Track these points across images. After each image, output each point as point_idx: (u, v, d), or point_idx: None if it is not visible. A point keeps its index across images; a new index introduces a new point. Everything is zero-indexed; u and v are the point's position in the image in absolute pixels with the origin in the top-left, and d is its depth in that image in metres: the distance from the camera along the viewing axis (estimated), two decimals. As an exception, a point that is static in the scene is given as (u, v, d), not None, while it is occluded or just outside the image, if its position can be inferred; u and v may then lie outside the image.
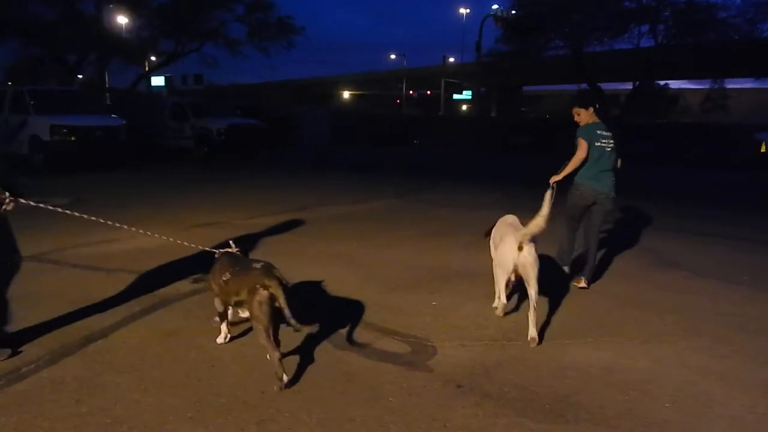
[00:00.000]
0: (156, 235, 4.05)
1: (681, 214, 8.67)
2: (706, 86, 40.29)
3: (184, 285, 4.47)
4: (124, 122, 13.77)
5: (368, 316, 3.86)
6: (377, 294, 4.36)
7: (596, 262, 4.82)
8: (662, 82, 36.38)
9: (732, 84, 39.49)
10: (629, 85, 32.36)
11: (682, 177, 15.04)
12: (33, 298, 4.07)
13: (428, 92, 51.40)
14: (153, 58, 26.97)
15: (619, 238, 6.54)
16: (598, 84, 30.73)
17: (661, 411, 2.71)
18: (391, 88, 55.35)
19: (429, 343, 3.41)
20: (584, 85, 32.18)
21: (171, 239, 3.91)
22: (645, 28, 25.69)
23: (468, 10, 52.75)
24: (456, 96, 47.91)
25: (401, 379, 2.98)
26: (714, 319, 3.98)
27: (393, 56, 54.81)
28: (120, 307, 3.97)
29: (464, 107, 51.43)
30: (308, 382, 2.93)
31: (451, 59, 51.22)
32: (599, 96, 33.03)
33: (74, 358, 3.17)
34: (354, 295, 4.27)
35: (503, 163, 18.21)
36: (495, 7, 33.19)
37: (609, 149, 4.55)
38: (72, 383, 2.86)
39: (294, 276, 4.74)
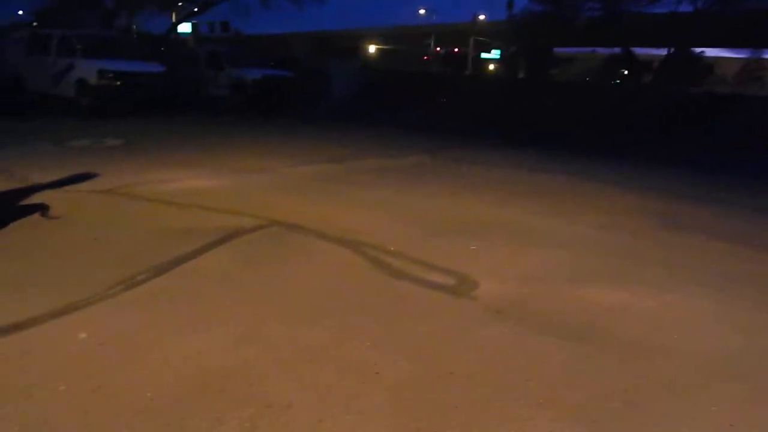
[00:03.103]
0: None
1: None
2: (744, 56, 39.10)
3: (247, 220, 5.01)
4: (164, 68, 14.24)
5: (414, 253, 4.37)
6: (420, 237, 4.88)
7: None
8: (698, 50, 35.42)
9: (770, 54, 38.25)
10: (664, 51, 31.69)
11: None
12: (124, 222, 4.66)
13: (456, 49, 50.70)
14: (180, 4, 27.10)
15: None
16: (632, 48, 30.14)
17: (669, 340, 3.21)
18: (419, 43, 54.67)
19: (471, 278, 3.93)
20: (617, 49, 31.58)
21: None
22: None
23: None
24: (484, 55, 47.27)
25: (447, 303, 3.52)
26: (719, 275, 4.42)
27: (422, 11, 53.67)
28: (201, 235, 4.52)
29: (491, 67, 50.68)
30: (368, 302, 3.48)
31: (482, 16, 50.20)
32: (632, 61, 32.46)
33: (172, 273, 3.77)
34: (400, 237, 4.78)
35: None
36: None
37: None
38: (167, 293, 3.45)
39: (341, 218, 5.29)
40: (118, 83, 12.94)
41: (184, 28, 34.37)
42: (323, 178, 7.31)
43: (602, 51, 40.34)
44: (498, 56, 46.82)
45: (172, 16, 27.23)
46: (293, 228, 4.88)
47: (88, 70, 12.90)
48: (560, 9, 27.46)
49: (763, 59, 40.99)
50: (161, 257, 3.97)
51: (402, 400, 2.46)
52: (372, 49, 62.76)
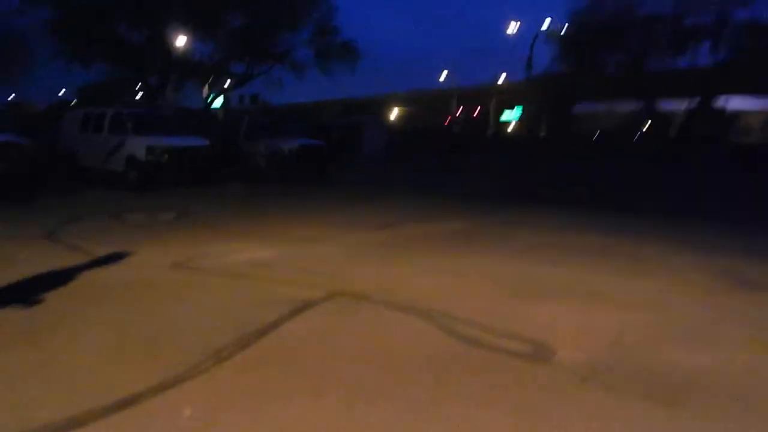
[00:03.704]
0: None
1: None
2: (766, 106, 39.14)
3: (317, 290, 5.15)
4: (207, 142, 14.90)
5: (486, 320, 4.43)
6: (491, 300, 4.95)
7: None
8: (722, 99, 35.63)
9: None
10: (684, 104, 31.99)
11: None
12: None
13: (475, 114, 51.72)
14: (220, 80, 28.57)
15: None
16: (654, 103, 30.49)
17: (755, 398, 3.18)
18: (441, 106, 56.07)
19: (548, 344, 3.96)
20: (640, 103, 32.00)
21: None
22: (705, 47, 25.64)
23: (516, 27, 53.14)
24: (505, 116, 48.09)
25: (528, 368, 3.56)
26: None
27: (443, 76, 55.26)
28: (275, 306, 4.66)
29: (511, 126, 51.25)
30: (453, 377, 3.54)
31: (502, 78, 51.43)
32: (653, 114, 32.67)
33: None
34: (469, 302, 4.86)
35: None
36: (548, 21, 33.55)
37: None
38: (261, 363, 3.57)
39: (407, 285, 5.40)
40: (166, 157, 13.54)
41: (216, 102, 36.07)
42: (380, 245, 7.44)
43: (624, 106, 40.76)
44: (517, 116, 47.65)
45: (204, 91, 28.70)
46: (359, 296, 5.00)
47: (138, 146, 13.56)
48: (583, 64, 28.18)
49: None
50: (243, 329, 4.10)
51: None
52: (395, 111, 64.37)
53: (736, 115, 40.58)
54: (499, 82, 50.61)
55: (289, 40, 24.84)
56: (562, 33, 29.84)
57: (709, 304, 5.07)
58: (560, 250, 7.23)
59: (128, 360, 3.62)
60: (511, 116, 47.90)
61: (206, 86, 28.14)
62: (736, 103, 38.03)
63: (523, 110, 45.06)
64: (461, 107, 53.39)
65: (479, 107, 51.30)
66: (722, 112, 36.63)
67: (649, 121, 37.96)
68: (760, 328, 4.43)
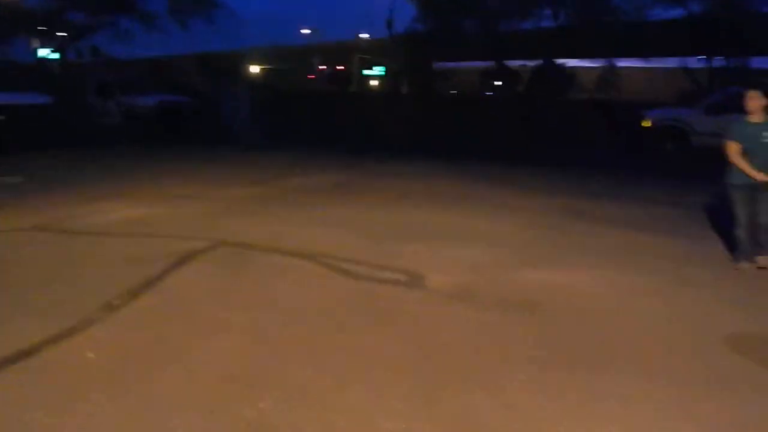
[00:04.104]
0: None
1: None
2: (599, 65, 43.90)
3: (199, 242, 5.24)
4: (49, 99, 13.63)
5: (366, 258, 4.89)
6: (367, 243, 5.40)
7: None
8: (561, 61, 39.22)
9: (622, 63, 43.32)
10: (533, 63, 34.91)
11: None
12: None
13: (340, 67, 51.85)
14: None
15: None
16: (505, 62, 32.87)
17: (590, 303, 3.99)
18: (303, 62, 55.29)
19: (419, 273, 4.51)
20: (492, 62, 34.32)
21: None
22: (548, 11, 28.22)
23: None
24: (367, 72, 48.72)
25: (403, 294, 4.09)
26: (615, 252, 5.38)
27: (306, 30, 54.33)
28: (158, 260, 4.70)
29: (375, 83, 52.08)
30: (338, 299, 3.95)
31: (366, 35, 51.87)
32: (506, 73, 35.28)
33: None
34: (350, 247, 5.27)
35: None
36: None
37: None
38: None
39: (288, 235, 5.68)
40: (2, 116, 12.21)
41: (45, 53, 31.95)
42: (256, 201, 7.53)
43: (478, 65, 43.32)
44: (382, 73, 48.53)
45: (34, 43, 25.68)
46: (244, 246, 5.20)
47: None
48: (441, 26, 29.50)
49: (615, 67, 46.27)
50: (129, 282, 4.14)
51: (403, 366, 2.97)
52: (255, 69, 62.11)
53: (573, 74, 44.99)
54: (364, 36, 51.01)
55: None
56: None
57: (551, 234, 5.98)
58: (424, 196, 7.91)
59: (19, 319, 3.54)
60: (373, 73, 48.55)
61: (36, 38, 25.14)
62: (573, 63, 42.14)
63: (386, 68, 45.88)
64: (323, 65, 52.99)
65: (341, 66, 51.37)
66: (563, 70, 40.39)
67: (500, 82, 40.92)
68: (590, 250, 5.38)
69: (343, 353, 3.17)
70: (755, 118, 4.83)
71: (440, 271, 4.61)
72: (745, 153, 4.77)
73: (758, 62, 30.49)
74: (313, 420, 2.52)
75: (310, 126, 21.55)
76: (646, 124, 14.79)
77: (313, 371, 2.95)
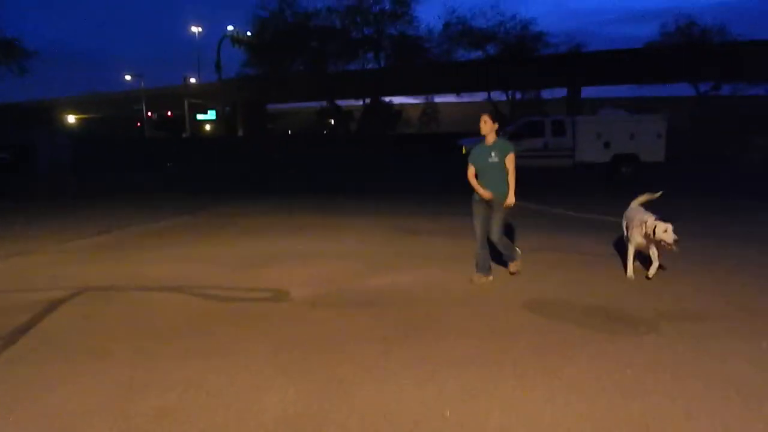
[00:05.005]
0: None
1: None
2: (421, 101, 48.23)
3: (59, 292, 5.28)
4: None
5: (230, 284, 5.36)
6: (230, 271, 5.86)
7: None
8: (387, 99, 42.39)
9: (439, 99, 48.11)
10: (361, 103, 37.36)
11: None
12: None
13: (169, 113, 50.28)
14: None
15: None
16: (336, 101, 34.84)
17: (424, 293, 4.92)
18: (128, 109, 52.63)
19: (283, 290, 5.12)
20: (324, 103, 36.19)
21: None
22: (371, 55, 30.85)
23: (200, 29, 53.35)
24: (200, 117, 47.91)
25: (273, 306, 4.67)
26: (440, 255, 6.48)
27: (128, 77, 52.01)
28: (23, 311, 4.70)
29: (207, 127, 51.29)
30: (213, 318, 4.41)
31: (192, 79, 51.11)
32: (339, 111, 37.27)
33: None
34: (211, 276, 5.69)
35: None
36: (230, 28, 34.84)
37: None
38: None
39: (148, 272, 5.91)
40: None
41: None
42: (105, 248, 7.50)
43: (311, 105, 45.09)
44: (213, 117, 47.98)
45: None
46: (107, 289, 5.37)
47: None
48: (271, 68, 30.55)
49: (434, 103, 51.11)
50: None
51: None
52: (72, 118, 57.17)
53: (400, 110, 48.70)
54: (192, 80, 50.15)
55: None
56: (246, 39, 31.49)
57: (389, 247, 6.95)
58: (278, 227, 8.54)
59: None
60: (206, 117, 47.82)
61: None
62: (399, 100, 45.75)
63: (217, 112, 45.47)
64: (150, 111, 50.91)
65: (170, 112, 49.86)
66: (390, 107, 43.58)
67: (332, 120, 42.94)
68: (420, 257, 6.40)
69: (221, 356, 3.66)
70: (488, 140, 5.12)
71: (300, 285, 5.26)
72: (478, 174, 5.14)
73: (547, 94, 35.90)
74: (216, 408, 3.00)
75: (143, 174, 20.95)
76: (464, 150, 16.99)
77: (203, 367, 3.41)
